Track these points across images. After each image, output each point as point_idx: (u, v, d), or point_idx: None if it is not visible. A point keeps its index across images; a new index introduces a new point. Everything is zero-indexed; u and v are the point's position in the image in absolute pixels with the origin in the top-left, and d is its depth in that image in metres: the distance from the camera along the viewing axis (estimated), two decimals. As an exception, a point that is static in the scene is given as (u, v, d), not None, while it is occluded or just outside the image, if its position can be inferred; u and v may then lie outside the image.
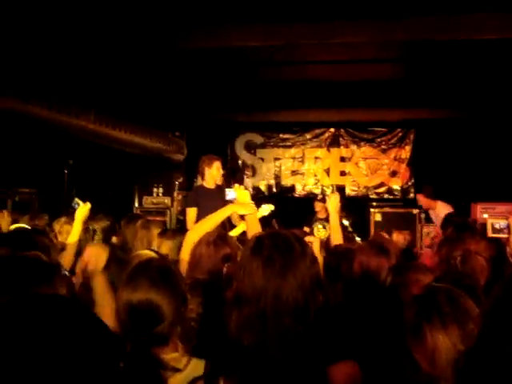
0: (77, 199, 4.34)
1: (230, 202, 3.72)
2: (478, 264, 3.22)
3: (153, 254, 3.22)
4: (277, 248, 1.82)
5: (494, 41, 6.31)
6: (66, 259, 3.85)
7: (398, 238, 6.56)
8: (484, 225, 2.57)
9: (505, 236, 2.42)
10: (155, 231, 4.92)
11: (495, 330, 0.93)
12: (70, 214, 4.83)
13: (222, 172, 7.21)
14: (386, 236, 5.94)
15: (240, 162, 12.63)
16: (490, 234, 2.47)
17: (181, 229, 7.40)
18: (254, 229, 3.49)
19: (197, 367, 2.03)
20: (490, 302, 0.97)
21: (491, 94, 9.01)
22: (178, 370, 2.00)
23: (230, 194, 3.71)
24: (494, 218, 2.45)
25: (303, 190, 12.57)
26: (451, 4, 5.73)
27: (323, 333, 1.82)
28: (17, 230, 4.51)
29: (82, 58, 6.93)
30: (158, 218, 9.80)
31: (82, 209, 4.22)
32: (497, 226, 2.44)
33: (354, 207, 10.91)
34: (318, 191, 12.41)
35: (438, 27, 6.15)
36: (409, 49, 7.30)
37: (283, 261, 1.78)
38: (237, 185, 3.90)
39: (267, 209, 4.26)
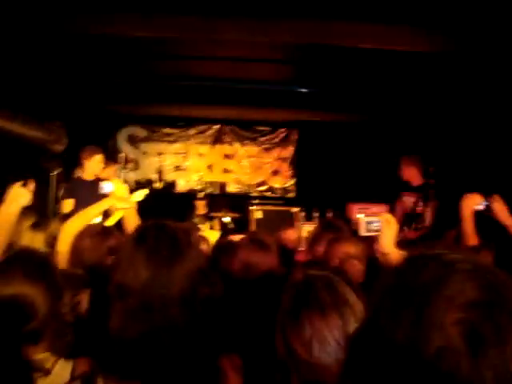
0: None
1: (106, 195, 3.60)
2: (354, 269, 3.30)
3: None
4: (162, 238, 1.76)
5: (376, 50, 6.53)
6: None
7: (290, 234, 6.62)
8: (357, 224, 2.63)
9: (377, 234, 2.49)
10: (27, 223, 4.69)
11: (379, 317, 0.93)
12: None
13: (102, 165, 7.03)
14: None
15: (122, 155, 12.35)
16: (363, 233, 2.54)
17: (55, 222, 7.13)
18: (131, 223, 3.44)
19: (64, 369, 1.93)
20: (375, 292, 0.98)
21: (375, 98, 9.34)
22: (48, 372, 1.90)
23: (106, 186, 3.59)
24: (368, 217, 2.51)
25: (186, 185, 12.50)
26: (337, 10, 5.87)
27: (209, 325, 1.79)
28: None
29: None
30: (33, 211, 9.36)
31: None
32: (371, 226, 2.51)
33: (236, 205, 11.00)
34: (200, 187, 12.38)
35: (323, 32, 6.27)
36: (296, 50, 7.41)
37: (169, 251, 1.73)
38: (116, 178, 3.80)
39: (141, 194, 4.18)
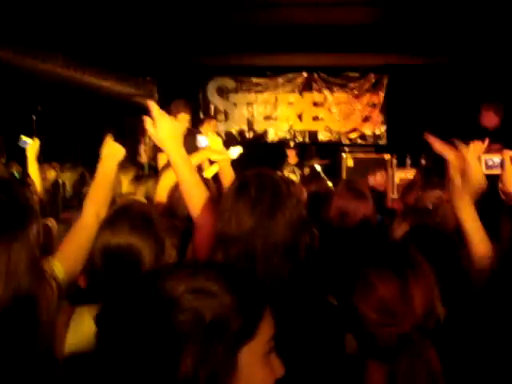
0: (23, 137, 4.18)
1: (202, 148, 3.65)
2: (448, 212, 3.23)
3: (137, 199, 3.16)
4: (264, 188, 1.78)
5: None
6: None
7: (377, 178, 6.57)
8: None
9: (498, 172, 2.35)
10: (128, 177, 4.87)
11: None
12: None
13: (186, 125, 7.13)
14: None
15: (212, 106, 12.47)
16: (484, 171, 2.39)
17: (153, 175, 7.34)
18: (227, 175, 3.48)
19: None
20: None
21: (468, 40, 8.95)
22: None
23: (201, 140, 3.63)
24: (487, 155, 2.37)
25: (276, 135, 12.52)
26: None
27: (312, 272, 1.82)
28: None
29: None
30: (128, 165, 9.68)
31: (33, 146, 4.11)
32: (490, 163, 2.38)
33: (327, 152, 10.94)
34: (290, 136, 12.37)
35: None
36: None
37: (271, 200, 1.75)
38: (210, 132, 3.86)
39: (236, 151, 4.22)
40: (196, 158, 3.53)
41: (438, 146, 2.14)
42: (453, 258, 2.11)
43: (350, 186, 3.41)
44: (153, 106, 2.13)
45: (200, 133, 6.88)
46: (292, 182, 2.37)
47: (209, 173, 5.52)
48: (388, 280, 1.59)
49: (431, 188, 3.49)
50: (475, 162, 2.01)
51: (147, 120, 2.13)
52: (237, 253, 1.72)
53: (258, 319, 1.01)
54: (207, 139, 3.60)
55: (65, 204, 5.48)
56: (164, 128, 2.10)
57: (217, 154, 3.54)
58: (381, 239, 2.48)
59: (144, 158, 8.69)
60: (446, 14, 7.83)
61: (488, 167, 2.38)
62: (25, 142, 4.11)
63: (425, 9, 7.73)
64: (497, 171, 2.35)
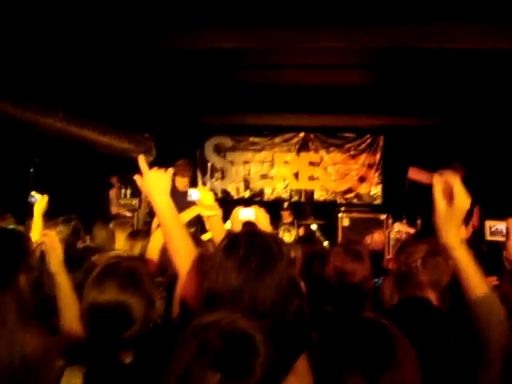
0: (33, 192, 4.18)
1: (193, 203, 3.63)
2: (439, 264, 3.20)
3: (121, 254, 3.14)
4: (253, 247, 1.75)
5: (463, 50, 6.37)
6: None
7: (375, 238, 6.55)
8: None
9: (502, 239, 2.35)
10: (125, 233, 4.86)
11: None
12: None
13: (184, 185, 7.17)
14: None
15: (209, 164, 12.55)
16: (488, 237, 2.40)
17: (148, 231, 7.32)
18: (218, 230, 3.45)
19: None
20: None
21: (462, 102, 9.11)
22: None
23: (192, 194, 3.63)
24: (491, 221, 2.38)
25: (272, 194, 12.57)
26: (422, 13, 5.76)
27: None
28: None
29: (50, 55, 6.81)
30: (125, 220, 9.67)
31: (40, 202, 4.09)
32: (493, 229, 2.38)
33: (323, 212, 10.96)
34: (286, 195, 12.42)
35: (410, 35, 6.17)
36: (380, 56, 7.34)
37: (260, 260, 1.72)
38: (201, 185, 3.85)
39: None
40: (187, 214, 3.52)
41: (417, 174, 2.14)
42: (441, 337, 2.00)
43: (349, 246, 3.41)
44: (141, 159, 2.18)
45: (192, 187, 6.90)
46: (283, 242, 2.35)
47: (206, 236, 5.51)
48: None
49: (419, 243, 3.48)
50: (459, 184, 1.87)
51: (137, 176, 2.19)
52: None
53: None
54: (198, 193, 3.59)
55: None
56: (151, 181, 2.18)
57: (208, 210, 3.52)
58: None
59: (114, 209, 8.68)
60: (439, 76, 7.98)
61: (492, 233, 2.38)
62: (34, 198, 4.10)
63: (418, 72, 7.87)
64: (500, 238, 2.35)
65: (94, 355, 1.99)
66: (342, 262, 3.19)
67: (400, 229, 7.33)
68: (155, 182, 2.18)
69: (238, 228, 3.83)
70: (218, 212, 3.51)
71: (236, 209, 3.68)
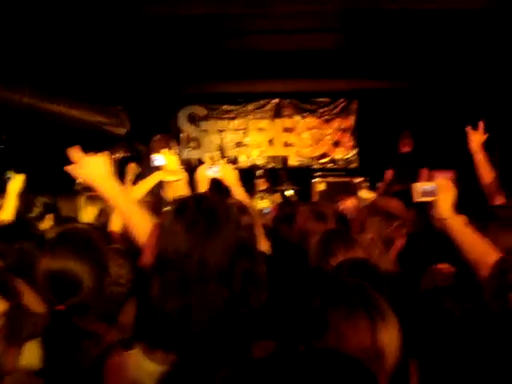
0: (10, 171, 4.11)
1: (159, 168, 3.59)
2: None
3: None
4: (201, 211, 1.75)
5: (435, 11, 6.34)
6: None
7: (347, 204, 6.55)
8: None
9: (431, 199, 2.43)
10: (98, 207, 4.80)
11: None
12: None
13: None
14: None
15: (184, 134, 12.48)
16: (417, 199, 2.47)
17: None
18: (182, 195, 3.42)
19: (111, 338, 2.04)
20: None
21: (434, 64, 9.10)
22: (99, 339, 1.99)
23: (157, 159, 3.59)
24: (420, 183, 2.45)
25: (247, 161, 12.55)
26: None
27: (250, 302, 1.74)
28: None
29: (13, 27, 6.64)
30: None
31: (16, 181, 4.01)
32: (423, 191, 2.45)
33: (298, 178, 10.98)
34: (261, 162, 12.42)
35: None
36: (351, 18, 7.29)
37: (207, 224, 1.71)
38: (165, 150, 3.77)
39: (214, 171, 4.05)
40: (148, 181, 3.48)
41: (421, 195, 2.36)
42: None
43: (313, 208, 3.41)
44: (71, 152, 2.22)
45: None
46: (232, 205, 2.36)
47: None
48: (360, 330, 1.54)
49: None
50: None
51: (71, 167, 2.22)
52: (172, 276, 1.69)
53: None
54: (163, 158, 3.53)
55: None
56: (89, 168, 2.20)
57: (171, 175, 3.47)
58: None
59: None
60: (409, 39, 7.95)
61: (422, 195, 2.44)
62: (8, 177, 4.02)
63: (388, 34, 7.84)
64: (430, 198, 2.42)
65: (50, 323, 2.05)
66: (306, 222, 3.20)
67: (365, 196, 7.41)
68: (93, 168, 2.20)
69: (203, 187, 3.81)
70: (182, 177, 3.46)
71: (201, 167, 3.64)
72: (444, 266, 2.96)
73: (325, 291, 1.72)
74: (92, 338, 1.99)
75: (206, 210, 1.76)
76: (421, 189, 2.44)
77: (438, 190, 2.43)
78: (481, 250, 2.33)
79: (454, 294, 2.61)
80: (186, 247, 1.69)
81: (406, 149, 9.02)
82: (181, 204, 1.82)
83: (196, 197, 1.92)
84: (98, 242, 2.24)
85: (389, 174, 8.87)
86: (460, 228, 2.39)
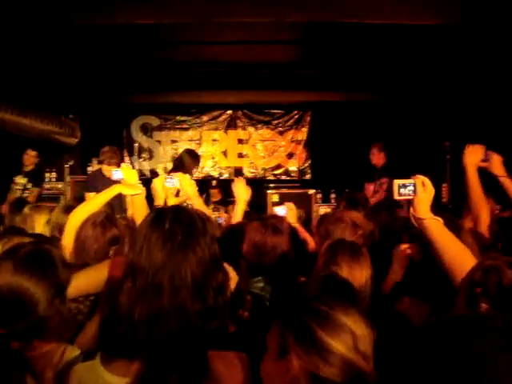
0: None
1: (117, 182, 3.56)
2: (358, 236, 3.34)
3: (26, 239, 2.92)
4: (179, 222, 1.76)
5: (387, 26, 6.44)
6: None
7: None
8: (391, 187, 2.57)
9: (410, 197, 2.42)
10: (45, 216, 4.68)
11: None
12: None
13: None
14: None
15: (136, 145, 12.35)
16: (396, 197, 2.46)
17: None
18: (140, 210, 3.39)
19: (72, 355, 1.94)
20: None
21: (388, 77, 9.25)
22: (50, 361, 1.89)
23: (116, 173, 3.58)
24: (400, 180, 2.44)
25: (201, 172, 12.50)
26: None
27: (220, 316, 1.76)
28: None
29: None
30: (50, 204, 9.41)
31: None
32: (402, 188, 2.44)
33: (252, 189, 10.96)
34: (215, 173, 12.39)
35: (328, 10, 6.20)
36: (307, 30, 7.34)
37: (184, 235, 1.73)
38: (124, 164, 3.75)
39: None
40: (106, 194, 3.41)
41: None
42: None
43: (265, 221, 3.40)
44: None
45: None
46: (208, 218, 2.40)
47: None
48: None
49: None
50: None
51: None
52: (144, 284, 1.68)
53: None
54: (122, 172, 3.51)
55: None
56: None
57: (130, 189, 3.44)
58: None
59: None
60: (362, 51, 8.06)
61: (400, 193, 2.44)
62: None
63: (342, 47, 7.94)
64: (409, 197, 2.41)
65: None
66: (262, 236, 3.18)
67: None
68: None
69: (161, 198, 3.80)
70: (140, 191, 3.44)
71: (158, 178, 3.64)
72: (406, 246, 3.10)
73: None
74: (27, 366, 1.87)
75: (184, 222, 1.77)
76: (400, 185, 2.44)
77: (416, 188, 2.41)
78: (456, 253, 2.32)
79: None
80: (162, 256, 1.70)
81: (380, 161, 8.54)
82: (159, 213, 1.83)
83: (175, 208, 1.92)
84: (54, 258, 2.09)
85: (370, 188, 8.53)
86: (437, 229, 2.36)
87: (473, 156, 3.58)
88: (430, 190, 2.42)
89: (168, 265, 1.69)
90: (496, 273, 1.96)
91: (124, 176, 3.48)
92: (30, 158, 8.53)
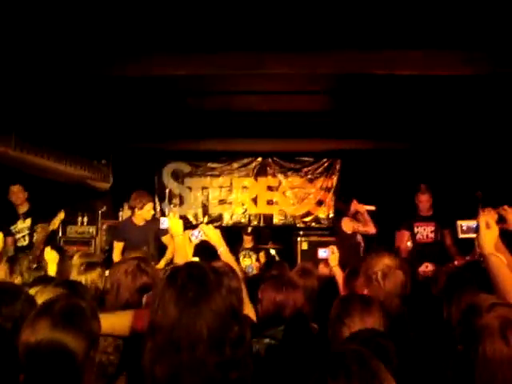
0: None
1: (165, 230, 3.72)
2: (398, 278, 3.31)
3: (60, 291, 2.91)
4: (190, 278, 1.81)
5: (417, 77, 6.52)
6: None
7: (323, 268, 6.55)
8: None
9: (473, 236, 2.62)
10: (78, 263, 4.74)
11: None
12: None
13: (152, 212, 7.13)
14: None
15: (167, 191, 12.49)
16: (460, 236, 2.69)
17: (107, 260, 7.21)
18: (181, 257, 3.46)
19: None
20: None
21: (417, 126, 9.29)
22: None
23: (163, 222, 3.73)
24: (463, 221, 2.70)
25: (231, 219, 12.56)
26: (369, 39, 5.88)
27: (240, 366, 1.77)
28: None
29: (2, 81, 6.70)
30: (82, 248, 9.53)
31: None
32: (465, 228, 2.71)
33: (282, 236, 10.99)
34: (245, 220, 12.44)
35: (358, 61, 6.29)
36: (336, 81, 7.44)
37: (196, 291, 1.78)
38: (171, 214, 3.91)
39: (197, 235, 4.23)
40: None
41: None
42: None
43: (280, 278, 3.46)
44: None
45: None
46: (226, 272, 2.47)
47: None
48: None
49: (379, 255, 3.53)
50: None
51: None
52: (162, 341, 1.72)
53: None
54: (167, 221, 3.63)
55: None
56: None
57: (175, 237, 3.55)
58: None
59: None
60: (392, 101, 8.13)
61: (463, 232, 2.65)
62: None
63: (371, 96, 8.01)
64: (472, 235, 2.61)
65: None
66: (283, 295, 3.23)
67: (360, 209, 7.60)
68: None
69: (183, 257, 3.85)
70: (184, 239, 3.56)
71: (183, 235, 3.73)
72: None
73: (324, 361, 1.68)
74: None
75: (196, 277, 1.82)
76: (464, 226, 2.68)
77: (479, 227, 2.63)
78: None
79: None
80: (176, 313, 1.74)
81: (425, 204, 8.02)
82: (173, 271, 1.89)
83: (188, 264, 1.97)
84: (86, 311, 2.11)
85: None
86: (498, 265, 2.52)
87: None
88: (494, 229, 2.64)
89: (183, 321, 1.73)
90: None
91: (170, 225, 3.61)
92: (18, 194, 7.72)
